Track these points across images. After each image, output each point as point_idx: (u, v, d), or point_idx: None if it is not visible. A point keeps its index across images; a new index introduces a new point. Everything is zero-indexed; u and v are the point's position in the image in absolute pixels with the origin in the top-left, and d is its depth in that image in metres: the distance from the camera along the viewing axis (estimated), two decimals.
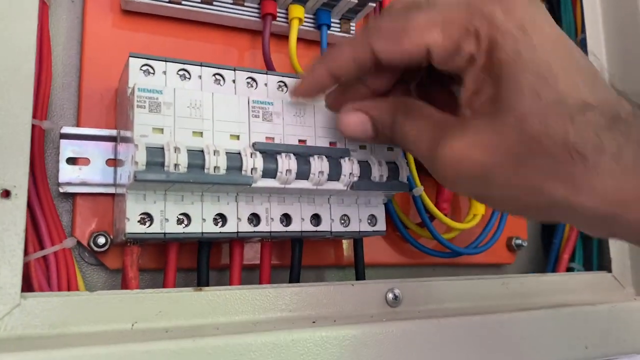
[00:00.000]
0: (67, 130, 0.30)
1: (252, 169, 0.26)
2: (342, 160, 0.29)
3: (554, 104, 0.20)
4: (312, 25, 0.36)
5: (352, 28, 0.37)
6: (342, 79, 0.26)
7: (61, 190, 0.30)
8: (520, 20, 0.21)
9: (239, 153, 0.26)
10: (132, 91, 0.26)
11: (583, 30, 0.44)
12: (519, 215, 0.34)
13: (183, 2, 0.32)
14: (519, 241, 0.43)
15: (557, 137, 0.20)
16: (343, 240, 0.37)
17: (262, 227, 0.29)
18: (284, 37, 0.35)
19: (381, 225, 0.33)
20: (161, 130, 0.25)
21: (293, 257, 0.32)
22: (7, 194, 0.24)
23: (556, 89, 0.20)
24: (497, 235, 0.40)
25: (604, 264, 0.42)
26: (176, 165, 0.25)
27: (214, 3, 0.33)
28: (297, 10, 0.34)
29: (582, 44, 0.44)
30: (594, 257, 0.43)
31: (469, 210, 0.39)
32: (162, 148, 0.25)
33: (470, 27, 0.22)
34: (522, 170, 0.21)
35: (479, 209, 0.39)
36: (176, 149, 0.25)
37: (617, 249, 0.41)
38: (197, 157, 0.25)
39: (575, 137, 0.19)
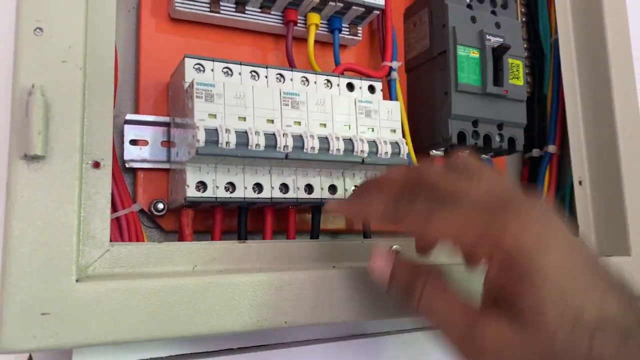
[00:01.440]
0: (130, 117, 0.37)
1: (284, 146, 0.33)
2: (354, 140, 0.36)
3: (576, 321, 0.22)
4: (326, 29, 0.43)
5: (359, 31, 0.44)
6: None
7: (127, 165, 0.37)
8: (535, 237, 0.23)
9: (274, 134, 0.33)
10: (191, 85, 0.33)
11: (557, 31, 0.52)
12: None
13: (221, 12, 0.39)
14: None
15: (580, 353, 0.22)
16: None
17: (290, 194, 0.36)
18: (302, 39, 0.42)
19: None
20: (214, 115, 0.32)
21: (313, 220, 0.39)
22: (97, 165, 0.31)
23: (576, 305, 0.22)
24: None
25: (575, 232, 0.49)
26: (227, 142, 0.32)
27: (246, 12, 0.40)
28: (314, 18, 0.41)
29: (556, 45, 0.51)
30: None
31: None
32: (216, 130, 0.32)
33: (485, 232, 0.24)
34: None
35: None
36: (227, 130, 0.32)
37: (583, 216, 0.48)
38: (242, 137, 0.32)
39: (596, 352, 0.22)
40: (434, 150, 0.45)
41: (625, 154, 0.46)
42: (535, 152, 0.52)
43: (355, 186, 0.38)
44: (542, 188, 0.51)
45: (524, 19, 0.54)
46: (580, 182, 0.48)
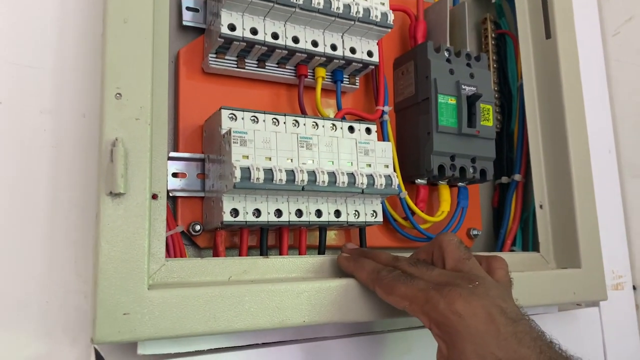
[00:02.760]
0: (172, 154, 0.45)
1: (301, 180, 0.42)
2: (355, 174, 0.44)
3: None
4: (330, 80, 0.52)
5: (357, 80, 0.53)
6: None
7: (170, 194, 0.45)
8: (457, 309, 0.33)
9: (293, 170, 0.42)
10: (229, 132, 0.41)
11: (522, 77, 0.61)
12: None
13: (246, 67, 0.48)
14: (475, 231, 0.59)
15: None
16: (350, 230, 0.52)
17: (304, 218, 0.44)
18: (310, 88, 0.51)
19: (379, 218, 0.48)
20: (247, 157, 0.41)
21: (320, 238, 0.47)
22: (155, 196, 0.39)
23: (492, 354, 0.31)
24: (459, 226, 0.56)
25: (537, 248, 0.59)
26: (257, 178, 0.40)
27: (266, 67, 0.49)
28: (321, 71, 0.50)
29: (521, 89, 0.60)
30: (529, 243, 0.59)
31: (438, 208, 0.55)
32: (249, 168, 0.40)
33: (425, 308, 0.34)
34: None
35: (445, 207, 0.55)
36: (257, 169, 0.40)
37: (543, 235, 0.57)
38: (268, 174, 0.41)
39: None
40: (418, 180, 0.54)
41: (577, 182, 0.56)
42: (504, 180, 0.61)
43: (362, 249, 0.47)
44: (510, 211, 0.60)
45: (495, 66, 0.64)
46: (540, 206, 0.57)
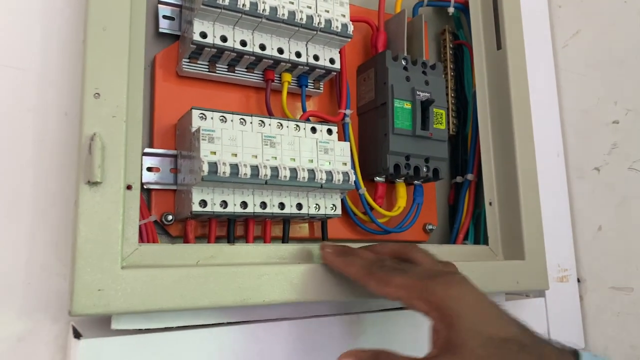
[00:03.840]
0: (147, 150, 0.49)
1: (264, 175, 0.46)
2: (315, 171, 0.49)
3: (488, 339, 0.34)
4: (295, 84, 0.56)
5: (321, 85, 0.58)
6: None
7: (144, 187, 0.49)
8: (453, 294, 0.37)
9: (257, 166, 0.46)
10: (198, 130, 0.45)
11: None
12: None
13: (217, 71, 0.52)
14: (430, 226, 0.64)
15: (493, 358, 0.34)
16: (314, 222, 0.57)
17: (268, 210, 0.49)
18: (278, 92, 0.55)
19: (338, 211, 0.53)
20: (214, 152, 0.45)
21: (284, 229, 0.52)
22: (130, 187, 0.43)
23: (486, 330, 0.35)
24: (414, 221, 0.61)
25: (487, 242, 0.64)
26: (224, 172, 0.44)
27: (235, 71, 0.53)
28: (287, 76, 0.54)
29: (475, 95, 0.65)
30: (481, 237, 0.64)
31: (395, 203, 0.60)
32: (216, 163, 0.44)
33: (423, 295, 0.37)
34: None
35: (402, 203, 0.60)
36: (223, 164, 0.44)
37: (492, 230, 0.62)
38: (234, 168, 0.45)
39: (503, 356, 0.34)
40: (377, 177, 0.59)
41: (523, 181, 0.61)
42: (459, 179, 0.67)
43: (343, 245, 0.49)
44: (463, 207, 0.65)
45: (452, 74, 0.69)
46: (490, 203, 0.62)
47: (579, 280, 0.69)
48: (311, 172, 0.49)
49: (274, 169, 0.47)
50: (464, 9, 0.68)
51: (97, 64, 0.40)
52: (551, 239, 0.66)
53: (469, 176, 0.65)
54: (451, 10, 0.67)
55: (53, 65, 0.46)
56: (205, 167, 0.44)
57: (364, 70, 0.61)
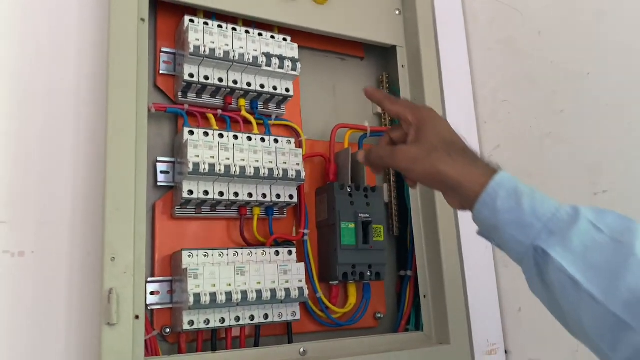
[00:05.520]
0: (150, 279, 0.65)
1: (236, 299, 0.62)
2: (277, 289, 0.65)
3: (441, 139, 0.51)
4: (264, 214, 0.73)
5: (285, 211, 0.74)
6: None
7: (149, 308, 0.65)
8: (425, 116, 0.54)
9: (231, 292, 0.62)
10: (186, 270, 0.61)
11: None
12: (425, 184, 0.54)
13: (202, 212, 0.69)
14: (379, 314, 0.79)
15: (442, 151, 0.50)
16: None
17: (241, 322, 0.65)
18: (251, 219, 0.72)
19: (298, 316, 0.69)
20: (198, 286, 0.61)
21: (255, 336, 0.68)
22: (137, 317, 0.59)
23: (443, 135, 0.52)
24: (364, 312, 0.76)
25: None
26: (205, 301, 0.60)
27: (217, 210, 0.70)
28: (257, 210, 0.71)
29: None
30: (420, 324, 0.79)
31: (346, 301, 0.76)
32: (199, 294, 0.60)
33: (409, 114, 0.54)
34: (429, 158, 0.50)
35: (352, 300, 0.75)
36: (205, 294, 0.60)
37: (426, 318, 0.77)
38: (213, 296, 0.61)
39: (452, 152, 0.50)
40: (331, 282, 0.75)
41: (447, 278, 0.76)
42: (402, 273, 0.82)
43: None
44: (405, 298, 0.80)
45: (395, 186, 0.85)
46: (424, 296, 0.78)
47: (506, 352, 0.84)
48: (273, 291, 0.65)
49: (244, 293, 0.63)
50: None
51: (113, 237, 0.56)
52: (481, 319, 0.81)
53: (409, 272, 0.81)
54: None
55: (78, 220, 0.63)
56: (191, 299, 0.60)
57: (320, 193, 0.78)
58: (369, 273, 0.74)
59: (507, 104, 0.87)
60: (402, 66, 0.85)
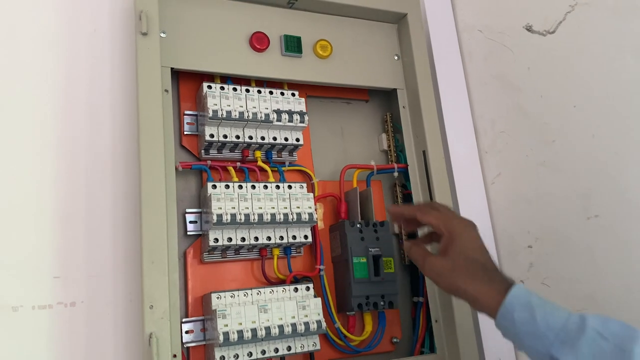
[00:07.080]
0: (184, 319, 0.74)
1: (260, 335, 0.70)
2: (297, 324, 0.72)
3: (465, 256, 0.60)
4: (282, 254, 0.80)
5: (301, 250, 0.82)
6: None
7: (185, 346, 0.73)
8: (456, 231, 0.61)
9: (255, 329, 0.70)
10: (215, 311, 0.69)
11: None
12: (449, 292, 0.62)
13: (227, 257, 0.77)
14: (395, 339, 0.86)
15: (466, 268, 0.59)
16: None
17: (267, 355, 0.72)
18: (272, 259, 0.80)
19: (318, 346, 0.75)
20: (227, 325, 0.69)
21: None
22: (175, 356, 0.67)
23: (468, 252, 0.60)
24: (381, 338, 0.83)
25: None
26: (233, 338, 0.68)
27: (240, 253, 0.78)
28: (276, 251, 0.79)
29: None
30: (434, 346, 0.85)
31: (363, 329, 0.82)
32: (228, 332, 0.68)
33: (442, 226, 0.63)
34: (452, 274, 0.60)
35: (368, 328, 0.82)
36: (233, 332, 0.68)
37: (439, 341, 0.83)
38: (240, 334, 0.69)
39: (471, 270, 0.59)
40: (347, 312, 0.81)
41: (456, 304, 0.82)
42: (415, 299, 0.88)
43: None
44: (419, 323, 0.86)
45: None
46: (436, 321, 0.84)
47: None
48: (294, 325, 0.72)
49: (267, 329, 0.71)
50: (404, 170, 0.91)
51: (151, 287, 0.65)
52: (493, 337, 0.86)
53: (421, 298, 0.87)
54: (396, 174, 0.91)
55: (120, 271, 0.72)
56: (221, 337, 0.68)
57: (333, 230, 0.85)
58: (382, 303, 0.81)
59: (504, 135, 0.93)
60: (403, 107, 0.92)
